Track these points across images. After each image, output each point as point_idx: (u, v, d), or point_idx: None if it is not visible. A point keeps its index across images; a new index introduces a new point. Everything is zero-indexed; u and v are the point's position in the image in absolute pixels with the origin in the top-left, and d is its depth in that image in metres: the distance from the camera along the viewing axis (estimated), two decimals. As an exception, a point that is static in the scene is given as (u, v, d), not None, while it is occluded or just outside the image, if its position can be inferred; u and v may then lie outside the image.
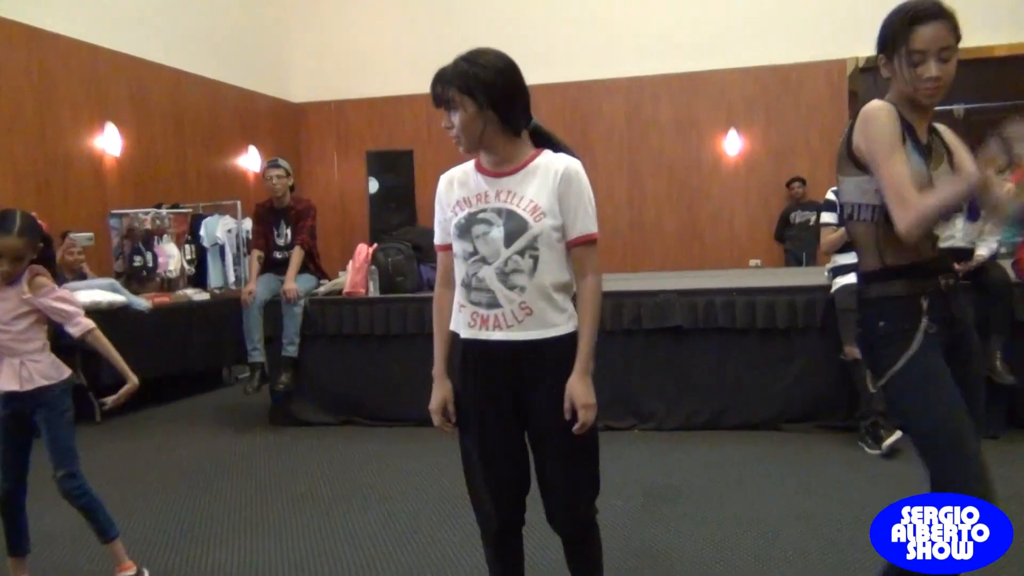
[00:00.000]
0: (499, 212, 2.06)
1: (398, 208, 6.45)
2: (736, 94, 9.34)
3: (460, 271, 2.11)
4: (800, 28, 8.93)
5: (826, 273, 4.89)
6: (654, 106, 9.54)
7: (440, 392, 2.17)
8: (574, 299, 2.12)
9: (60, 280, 6.03)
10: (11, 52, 6.42)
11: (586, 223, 2.08)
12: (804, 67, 8.98)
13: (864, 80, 8.80)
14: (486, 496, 2.16)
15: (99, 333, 2.96)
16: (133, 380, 2.94)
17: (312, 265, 5.84)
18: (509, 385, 2.09)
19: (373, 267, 5.65)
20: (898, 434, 4.21)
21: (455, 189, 2.15)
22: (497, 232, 2.05)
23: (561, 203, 2.05)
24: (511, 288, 2.05)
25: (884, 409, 4.11)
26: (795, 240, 8.84)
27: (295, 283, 5.51)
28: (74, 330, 2.93)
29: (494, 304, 2.06)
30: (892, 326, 2.04)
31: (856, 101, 8.71)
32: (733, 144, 9.29)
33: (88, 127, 7.19)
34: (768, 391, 4.94)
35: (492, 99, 2.00)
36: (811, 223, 8.25)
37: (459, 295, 2.12)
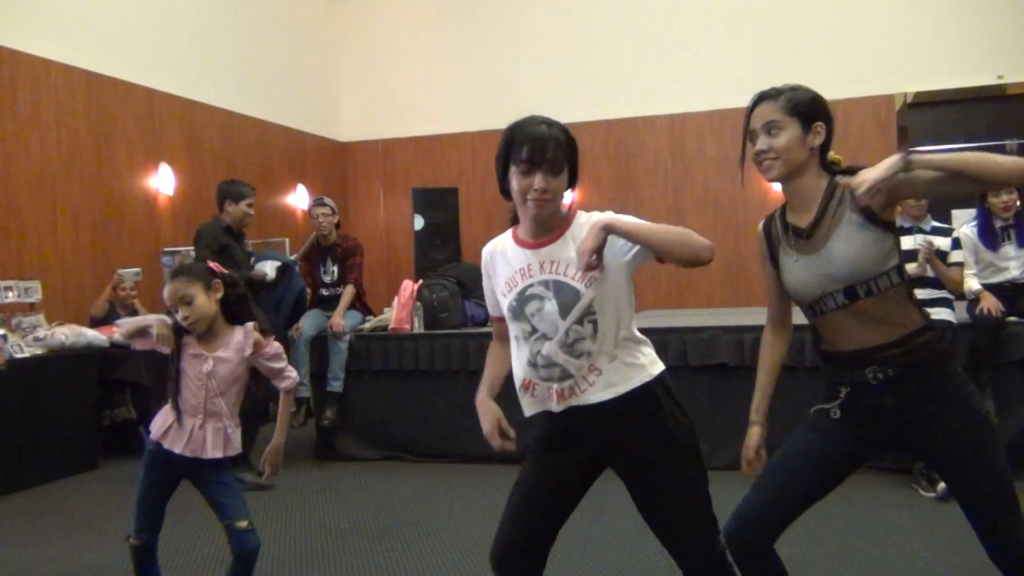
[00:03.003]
0: (546, 284, 2.03)
1: (443, 245, 6.49)
2: (781, 130, 9.27)
3: (523, 353, 2.07)
4: (847, 62, 8.87)
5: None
6: (699, 143, 9.52)
7: (488, 415, 2.13)
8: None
9: (113, 316, 6.15)
10: (71, 96, 6.65)
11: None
12: (851, 102, 8.89)
13: (913, 115, 8.69)
14: (508, 527, 2.10)
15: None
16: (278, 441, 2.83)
17: (358, 302, 5.91)
18: (594, 448, 2.08)
19: (418, 303, 5.69)
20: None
21: (499, 264, 2.14)
22: (551, 306, 2.01)
23: (611, 246, 2.00)
24: (578, 356, 2.01)
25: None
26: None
27: (342, 319, 5.57)
28: (284, 384, 2.79)
29: (566, 376, 2.03)
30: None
31: (905, 136, 8.59)
32: (779, 180, 9.22)
33: (143, 167, 7.39)
34: (817, 430, 4.83)
35: (572, 162, 2.04)
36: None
37: (529, 375, 2.07)
